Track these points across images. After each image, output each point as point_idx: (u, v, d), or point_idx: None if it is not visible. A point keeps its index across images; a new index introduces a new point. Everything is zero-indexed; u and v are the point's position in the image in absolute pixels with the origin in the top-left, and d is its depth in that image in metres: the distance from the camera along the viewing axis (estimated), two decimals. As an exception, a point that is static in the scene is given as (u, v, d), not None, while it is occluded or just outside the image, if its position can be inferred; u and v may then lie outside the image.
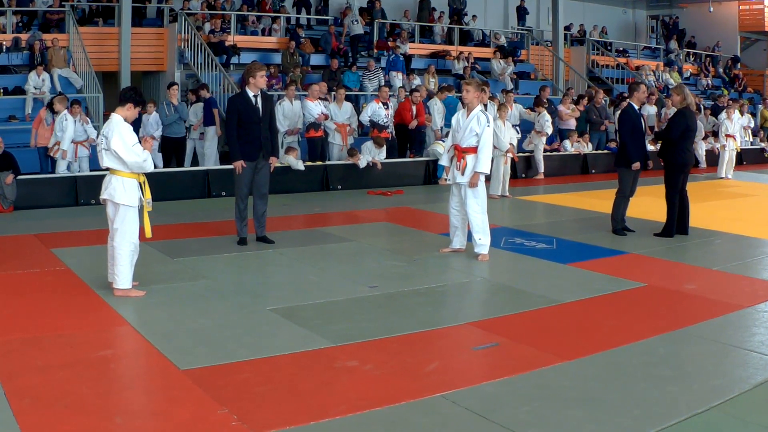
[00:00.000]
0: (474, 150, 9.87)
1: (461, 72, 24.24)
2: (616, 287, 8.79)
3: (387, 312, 7.76)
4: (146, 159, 7.69)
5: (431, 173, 17.53)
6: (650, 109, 22.58)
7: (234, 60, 21.18)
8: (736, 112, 21.40)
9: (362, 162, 16.18)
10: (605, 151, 20.95)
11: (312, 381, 5.86)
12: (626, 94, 23.39)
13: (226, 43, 21.01)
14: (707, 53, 34.96)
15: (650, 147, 21.55)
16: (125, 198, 7.68)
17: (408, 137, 18.41)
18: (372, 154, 16.44)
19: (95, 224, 11.45)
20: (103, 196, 7.80)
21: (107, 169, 7.79)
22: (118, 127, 7.60)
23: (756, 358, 6.52)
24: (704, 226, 12.56)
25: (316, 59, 23.01)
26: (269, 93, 10.80)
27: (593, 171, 20.37)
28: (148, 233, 7.99)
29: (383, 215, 13.30)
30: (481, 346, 6.76)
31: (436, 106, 18.31)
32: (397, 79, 22.45)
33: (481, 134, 9.83)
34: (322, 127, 16.67)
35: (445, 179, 10.50)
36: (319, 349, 6.52)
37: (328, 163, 16.38)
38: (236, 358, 6.21)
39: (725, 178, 20.18)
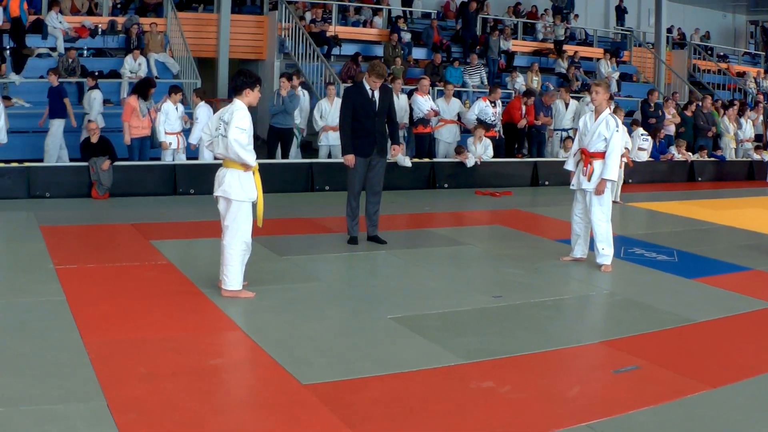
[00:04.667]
0: (602, 155, 9.28)
1: (565, 71, 23.53)
2: (748, 306, 8.16)
3: (515, 326, 7.22)
4: (249, 153, 7.19)
5: (538, 175, 16.88)
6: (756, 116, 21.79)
7: (335, 51, 20.74)
8: None
9: (470, 161, 15.60)
10: (712, 159, 20.05)
11: (446, 403, 5.33)
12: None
13: (327, 34, 20.57)
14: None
15: (756, 156, 20.81)
16: (241, 194, 7.18)
17: (517, 137, 17.76)
18: (479, 152, 15.83)
19: (194, 215, 11.18)
20: (217, 193, 7.29)
21: (216, 159, 7.26)
22: (238, 113, 7.10)
23: None
24: None
25: (417, 53, 22.52)
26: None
27: (699, 179, 19.53)
28: (260, 223, 7.48)
29: (494, 217, 12.75)
30: (622, 369, 6.17)
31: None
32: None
33: (610, 139, 9.24)
34: (431, 124, 16.15)
35: (570, 185, 9.82)
36: (450, 366, 5.99)
37: (435, 160, 15.83)
38: (361, 373, 5.70)
39: None
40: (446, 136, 16.83)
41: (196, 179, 13.29)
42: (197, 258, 8.74)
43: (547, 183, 16.92)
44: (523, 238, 11.23)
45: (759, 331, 7.46)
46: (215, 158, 7.44)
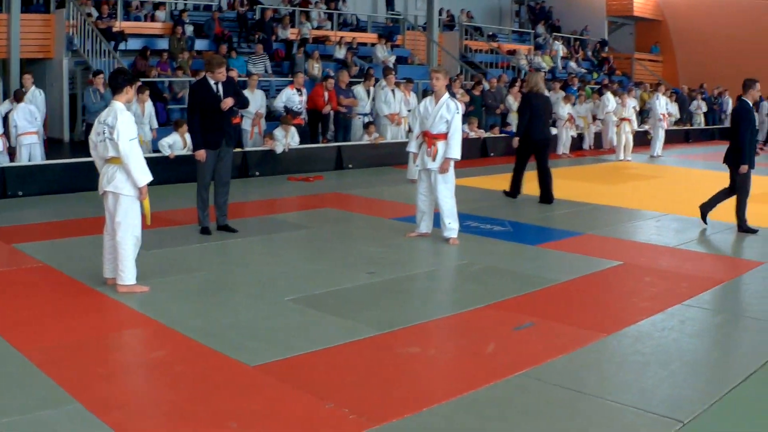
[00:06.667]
0: (444, 136, 9.87)
1: (343, 57, 24.04)
2: (600, 265, 9.03)
3: (404, 297, 7.72)
4: (143, 172, 7.26)
5: (342, 158, 17.36)
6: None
7: (122, 46, 20.43)
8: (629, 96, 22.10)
9: (278, 148, 15.86)
10: (503, 135, 21.10)
11: (388, 369, 5.72)
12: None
13: (114, 29, 20.25)
14: (575, 37, 35.78)
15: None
16: (132, 189, 7.23)
17: (320, 123, 18.14)
18: (287, 140, 16.12)
19: (40, 217, 10.89)
20: (108, 188, 7.26)
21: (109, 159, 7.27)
22: (122, 116, 7.16)
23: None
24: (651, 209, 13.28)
25: (201, 45, 22.45)
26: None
27: (492, 154, 20.53)
28: (149, 221, 7.54)
29: (319, 201, 13.06)
30: (520, 326, 6.75)
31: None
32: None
33: (452, 121, 9.85)
34: (240, 114, 16.27)
35: (414, 165, 10.35)
36: (371, 337, 6.36)
37: (246, 149, 15.99)
38: (298, 351, 5.95)
39: (625, 161, 20.77)
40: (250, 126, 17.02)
41: (25, 181, 12.83)
42: (72, 257, 8.54)
43: (350, 166, 17.42)
44: (360, 218, 11.67)
45: (620, 285, 8.35)
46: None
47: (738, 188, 10.99)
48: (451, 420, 4.85)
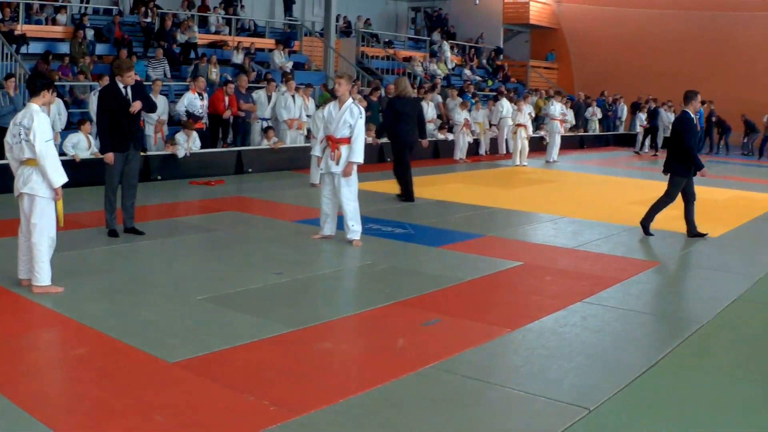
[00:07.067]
0: (348, 140, 10.11)
1: (240, 62, 24.11)
2: (501, 266, 9.42)
3: (313, 296, 7.99)
4: (58, 173, 7.34)
5: (242, 163, 17.47)
6: (437, 98, 23.46)
7: (24, 50, 20.15)
8: (526, 103, 22.69)
9: (180, 152, 15.91)
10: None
11: (303, 364, 5.93)
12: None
13: (15, 32, 19.98)
14: (471, 45, 36.35)
15: (440, 136, 22.50)
16: (47, 191, 7.31)
17: (221, 127, 18.24)
18: (189, 144, 16.17)
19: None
20: (23, 190, 7.30)
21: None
22: (38, 118, 7.23)
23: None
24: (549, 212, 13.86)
25: (101, 49, 22.27)
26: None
27: (389, 159, 20.65)
28: (62, 222, 7.61)
29: (223, 204, 13.14)
30: (428, 322, 7.04)
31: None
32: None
33: (355, 125, 10.10)
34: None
35: (318, 168, 10.61)
36: (284, 333, 6.56)
37: (149, 153, 15.97)
38: (215, 348, 6.11)
39: (521, 166, 21.32)
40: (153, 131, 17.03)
41: None
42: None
43: (250, 170, 17.50)
44: (264, 221, 11.81)
45: (522, 284, 8.73)
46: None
47: (685, 195, 11.46)
48: (368, 410, 5.09)
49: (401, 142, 13.97)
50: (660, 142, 27.90)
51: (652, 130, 28.63)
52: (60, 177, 7.32)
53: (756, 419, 5.29)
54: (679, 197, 11.43)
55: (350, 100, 10.22)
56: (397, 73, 29.68)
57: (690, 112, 11.41)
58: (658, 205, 11.50)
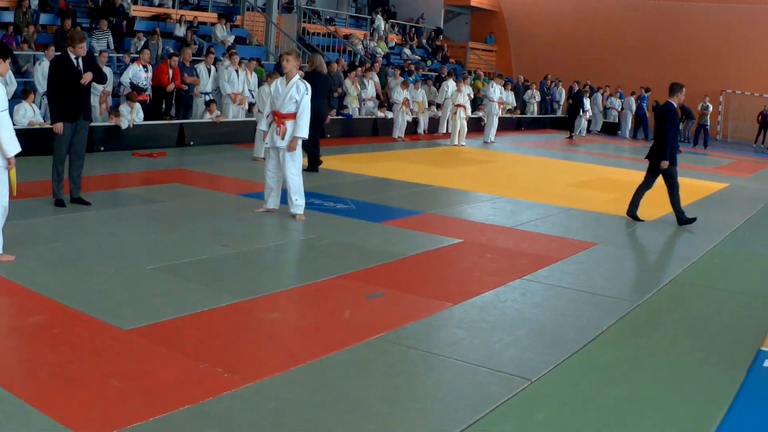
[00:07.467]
0: (293, 116, 10.29)
1: (183, 35, 24.04)
2: (439, 242, 9.72)
3: (263, 268, 8.20)
4: (12, 142, 7.42)
5: (185, 135, 17.52)
6: (375, 77, 23.70)
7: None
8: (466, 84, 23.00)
9: (123, 123, 15.91)
10: (340, 117, 21.57)
11: (252, 333, 6.17)
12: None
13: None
14: (411, 24, 36.53)
15: (380, 114, 22.72)
16: (1, 160, 7.38)
17: (164, 100, 18.23)
18: (132, 116, 16.18)
19: None
20: None
21: None
22: None
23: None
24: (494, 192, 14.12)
25: (45, 19, 22.08)
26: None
27: (329, 135, 20.86)
28: (15, 191, 7.67)
29: (166, 176, 13.20)
30: (372, 295, 7.30)
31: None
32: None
33: (301, 101, 10.29)
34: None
35: (264, 142, 10.76)
36: (233, 303, 6.74)
37: (92, 124, 15.91)
38: (167, 316, 6.27)
39: (459, 146, 21.62)
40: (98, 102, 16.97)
41: None
42: None
43: (192, 143, 17.53)
44: (207, 194, 11.93)
45: (462, 260, 9.04)
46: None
47: (669, 184, 11.86)
48: (319, 377, 5.32)
49: (312, 115, 14.01)
50: (585, 125, 28.50)
51: (573, 112, 29.19)
52: (14, 147, 7.39)
53: (687, 388, 5.64)
54: (658, 183, 11.97)
55: (296, 76, 10.39)
56: (337, 51, 29.83)
57: (674, 103, 11.73)
58: (673, 198, 11.87)
